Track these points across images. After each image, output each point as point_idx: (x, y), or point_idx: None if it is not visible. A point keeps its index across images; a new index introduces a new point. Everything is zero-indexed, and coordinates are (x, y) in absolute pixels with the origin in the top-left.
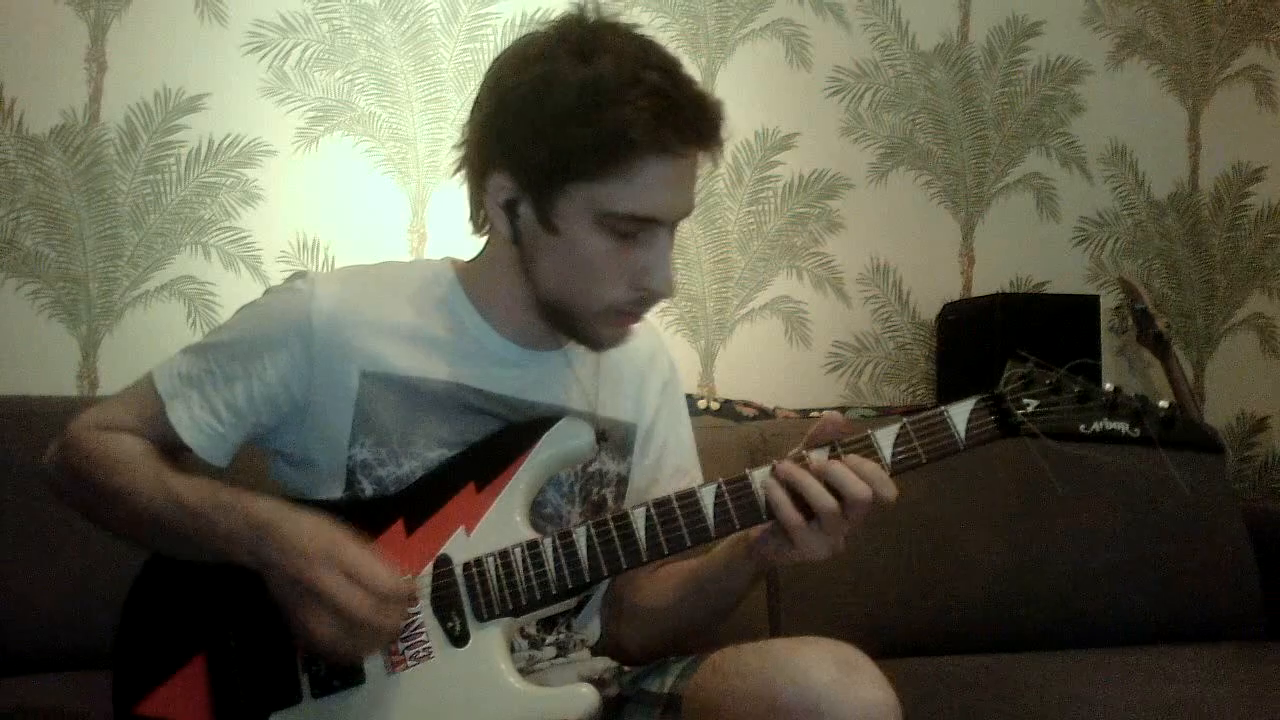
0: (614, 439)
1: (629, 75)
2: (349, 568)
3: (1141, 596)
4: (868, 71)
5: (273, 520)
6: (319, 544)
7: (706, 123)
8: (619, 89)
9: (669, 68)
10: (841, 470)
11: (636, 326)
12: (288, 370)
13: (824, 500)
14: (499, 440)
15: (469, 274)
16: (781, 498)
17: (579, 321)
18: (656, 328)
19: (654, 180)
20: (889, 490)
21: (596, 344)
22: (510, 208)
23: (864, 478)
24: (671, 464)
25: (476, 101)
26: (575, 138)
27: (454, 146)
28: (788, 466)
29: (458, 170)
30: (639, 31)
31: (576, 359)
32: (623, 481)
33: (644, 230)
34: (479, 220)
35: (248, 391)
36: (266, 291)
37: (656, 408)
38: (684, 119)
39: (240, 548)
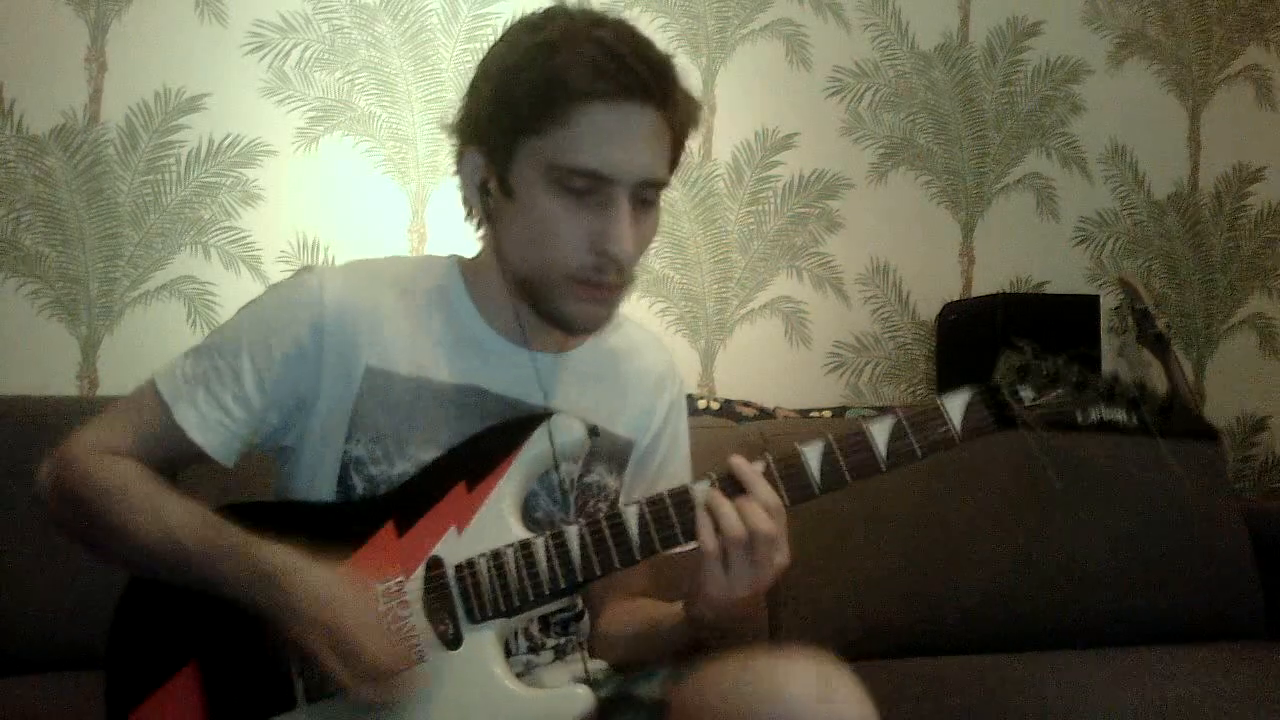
0: (612, 454)
1: (577, 33)
2: (344, 646)
3: (1141, 596)
4: (868, 71)
5: (279, 571)
6: (320, 611)
7: (651, 73)
8: (564, 44)
9: (623, 30)
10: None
11: (638, 336)
12: (297, 360)
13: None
14: (488, 438)
15: (470, 270)
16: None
17: (545, 297)
18: (668, 348)
19: (595, 129)
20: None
21: (568, 323)
22: (483, 187)
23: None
24: (666, 485)
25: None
26: (518, 89)
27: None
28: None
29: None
30: (616, 16)
31: (566, 361)
32: (616, 497)
33: (596, 190)
34: (469, 212)
35: (257, 383)
36: (269, 288)
37: (658, 432)
38: (623, 66)
39: (243, 593)
